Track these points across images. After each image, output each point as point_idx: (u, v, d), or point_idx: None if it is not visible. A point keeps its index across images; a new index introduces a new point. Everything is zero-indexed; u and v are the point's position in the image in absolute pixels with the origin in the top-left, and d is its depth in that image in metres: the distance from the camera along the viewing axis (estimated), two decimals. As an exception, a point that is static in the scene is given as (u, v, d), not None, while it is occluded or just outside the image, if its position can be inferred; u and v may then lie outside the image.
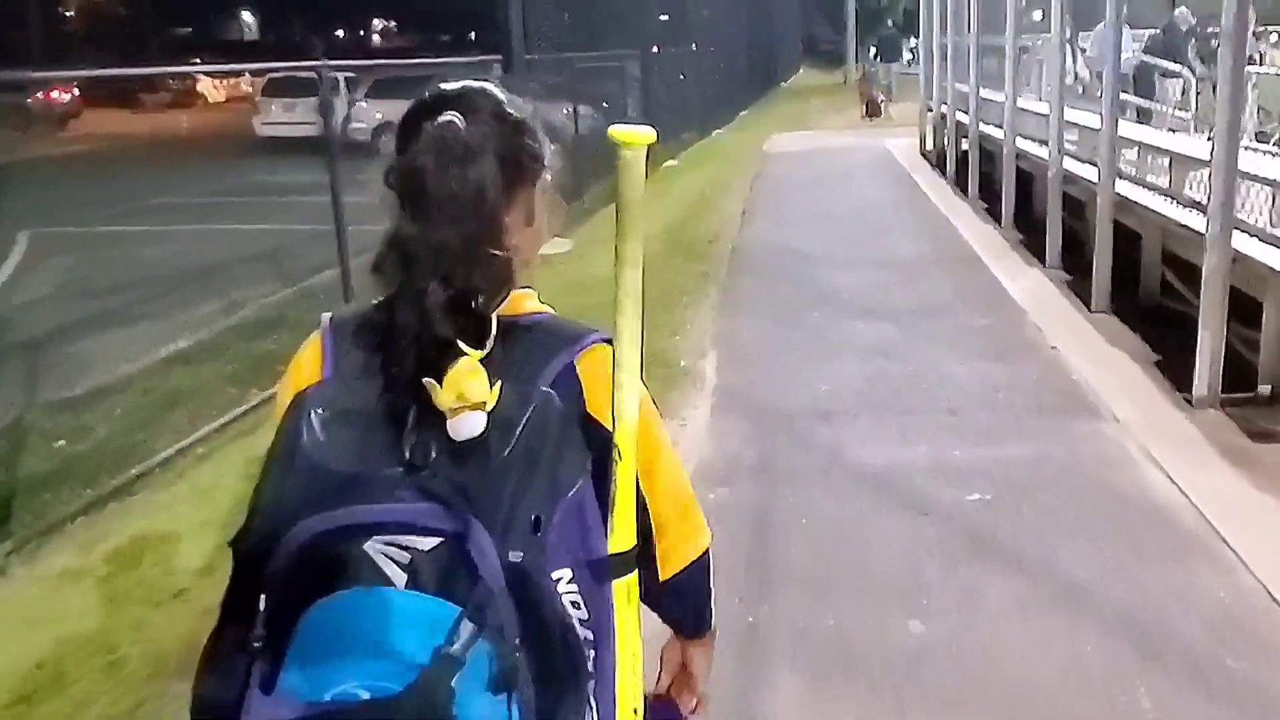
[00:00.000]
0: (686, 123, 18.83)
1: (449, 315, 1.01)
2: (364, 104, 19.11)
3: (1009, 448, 4.25)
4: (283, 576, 0.95)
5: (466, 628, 0.90)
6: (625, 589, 1.08)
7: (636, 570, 1.10)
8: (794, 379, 5.23)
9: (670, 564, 1.22)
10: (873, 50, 26.97)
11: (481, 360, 1.01)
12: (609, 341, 1.15)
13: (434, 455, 0.99)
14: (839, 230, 9.27)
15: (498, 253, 1.08)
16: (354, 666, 0.88)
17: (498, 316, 1.06)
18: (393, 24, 52.17)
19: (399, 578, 0.92)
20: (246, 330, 6.68)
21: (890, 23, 30.31)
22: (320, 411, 1.04)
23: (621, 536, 1.08)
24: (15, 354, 6.36)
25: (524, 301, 1.19)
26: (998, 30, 11.15)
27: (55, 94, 22.98)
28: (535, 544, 0.97)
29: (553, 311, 1.23)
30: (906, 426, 4.51)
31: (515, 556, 0.94)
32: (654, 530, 1.19)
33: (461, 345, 1.00)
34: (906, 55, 26.47)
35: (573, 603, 1.01)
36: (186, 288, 7.75)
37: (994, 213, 9.57)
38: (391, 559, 0.92)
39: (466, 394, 0.98)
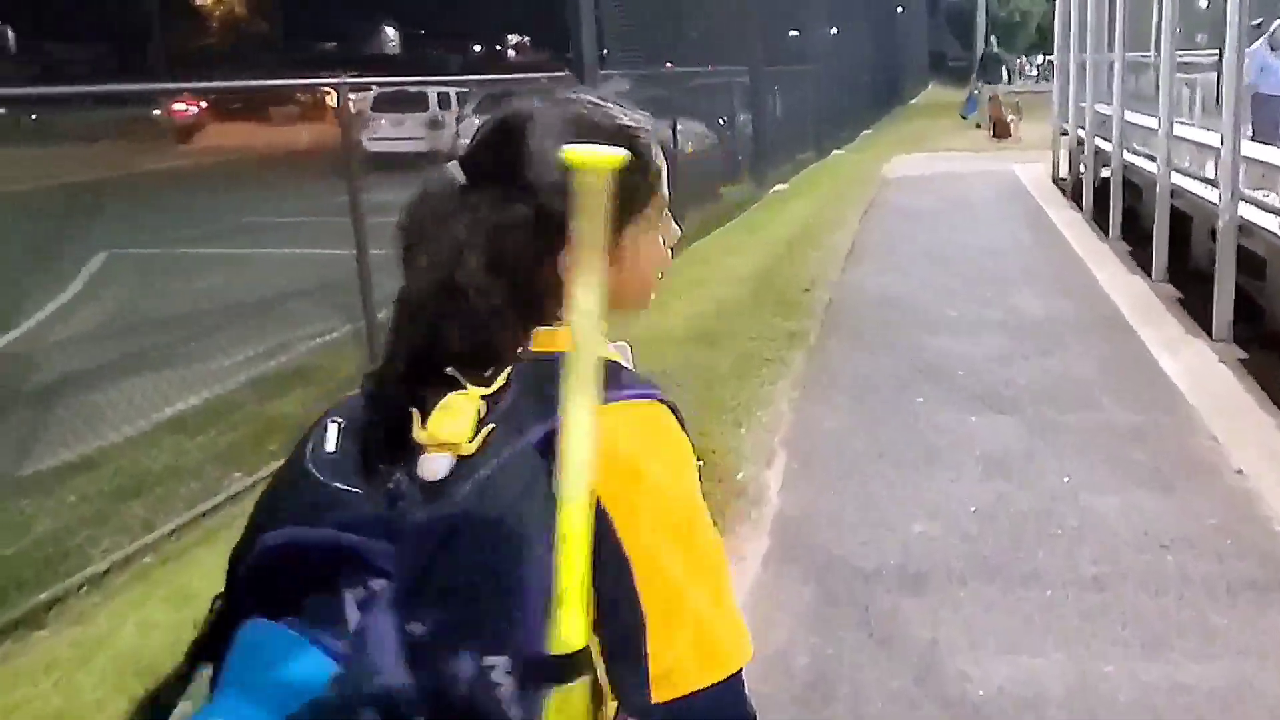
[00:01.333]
0: (802, 142, 17.33)
1: (415, 367, 0.92)
2: (475, 119, 18.32)
3: (1191, 665, 2.76)
4: (240, 582, 0.90)
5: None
6: (559, 701, 0.83)
7: (584, 681, 0.85)
8: (881, 509, 3.80)
9: (670, 685, 0.88)
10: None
11: (488, 398, 0.90)
12: (651, 398, 0.96)
13: (408, 493, 0.87)
14: (956, 278, 7.67)
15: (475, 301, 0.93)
16: (230, 702, 0.82)
17: (530, 353, 0.94)
18: (526, 39, 51.82)
19: (353, 617, 0.83)
20: (267, 385, 5.66)
21: (992, 40, 28.12)
22: (338, 420, 0.96)
23: (565, 634, 0.83)
24: (16, 408, 5.50)
25: (565, 340, 0.91)
26: (1146, 46, 9.46)
27: (181, 106, 22.81)
28: (449, 619, 0.82)
29: (619, 357, 1.00)
30: (1033, 612, 3.04)
31: (414, 627, 0.81)
32: (647, 636, 0.89)
33: (462, 379, 0.90)
34: (1004, 75, 24.22)
35: (508, 697, 0.81)
36: (233, 325, 6.75)
37: (1141, 259, 7.85)
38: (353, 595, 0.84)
39: (436, 433, 0.87)
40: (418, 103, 19.36)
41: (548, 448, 0.86)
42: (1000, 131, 19.01)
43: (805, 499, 3.94)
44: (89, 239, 8.70)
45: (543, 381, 0.90)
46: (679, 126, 13.72)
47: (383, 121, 19.11)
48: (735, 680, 0.92)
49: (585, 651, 0.86)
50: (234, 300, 7.22)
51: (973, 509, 3.73)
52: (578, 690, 0.86)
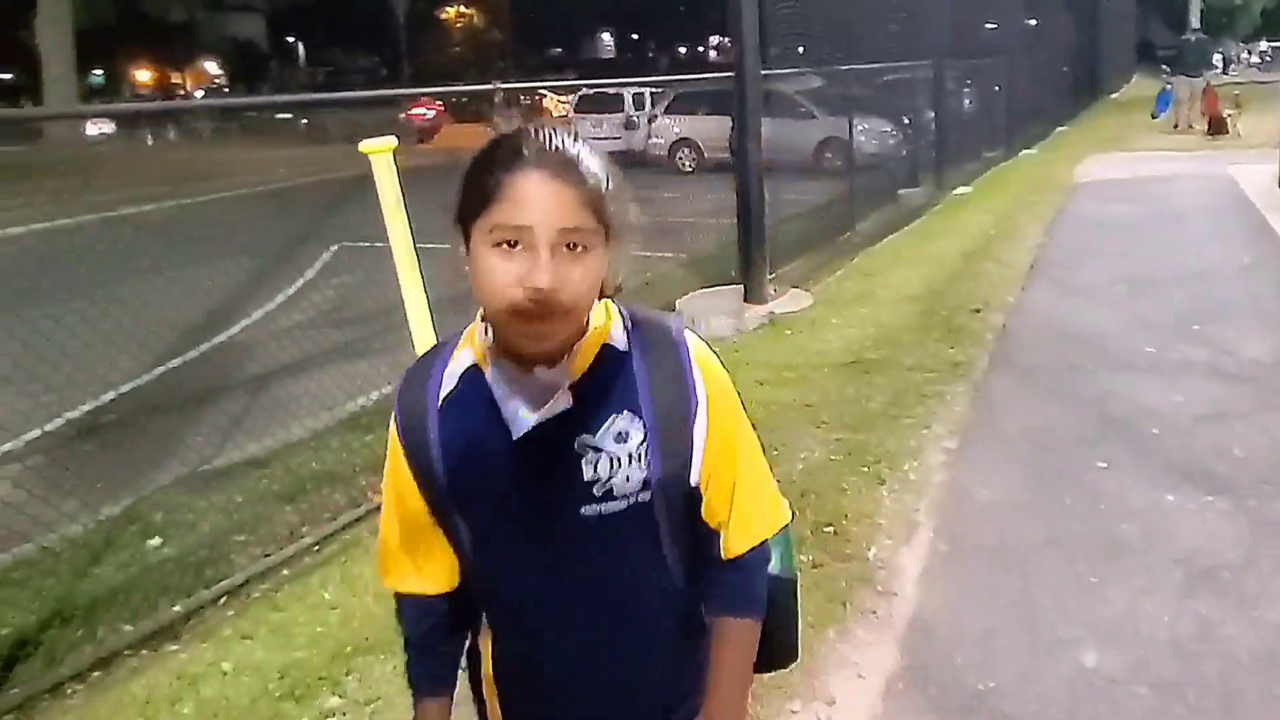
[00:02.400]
0: (991, 140, 15.87)
1: None
2: (665, 119, 17.85)
3: None
4: None
5: None
6: None
7: None
8: (1045, 625, 2.91)
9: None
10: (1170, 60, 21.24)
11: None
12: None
13: None
14: (1157, 308, 6.46)
15: None
16: None
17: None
18: (727, 40, 50.81)
19: None
20: None
21: (1196, 26, 24.89)
22: None
23: None
24: (223, 398, 5.53)
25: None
26: None
27: (419, 111, 23.37)
28: None
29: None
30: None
31: None
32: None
33: None
34: (1216, 63, 21.13)
35: None
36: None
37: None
38: None
39: None
40: (615, 105, 19.18)
41: None
42: (1216, 128, 16.83)
43: (949, 597, 3.11)
44: (330, 231, 8.82)
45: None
46: (859, 125, 12.74)
47: (585, 123, 19.03)
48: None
49: None
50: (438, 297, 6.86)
51: (1167, 639, 2.81)
52: None
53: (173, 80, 40.77)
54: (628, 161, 13.20)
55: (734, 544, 1.25)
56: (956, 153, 13.76)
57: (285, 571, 3.62)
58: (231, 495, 4.18)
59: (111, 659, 3.11)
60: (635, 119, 19.09)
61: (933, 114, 13.33)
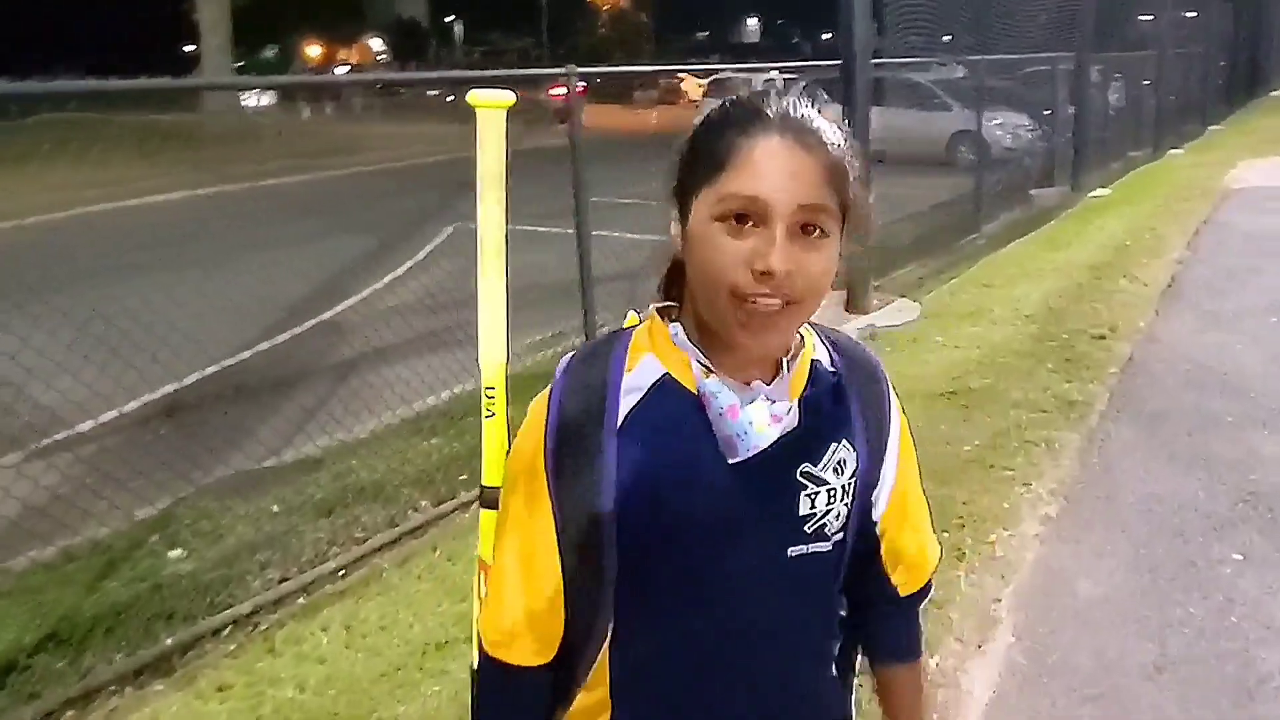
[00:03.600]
0: (1136, 138, 14.38)
1: None
2: (799, 103, 16.80)
3: None
4: None
5: None
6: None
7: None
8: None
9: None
10: None
11: None
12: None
13: None
14: (1318, 345, 5.43)
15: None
16: None
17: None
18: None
19: None
20: (520, 384, 4.81)
21: None
22: None
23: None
24: (307, 385, 5.17)
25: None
26: None
27: (559, 91, 22.89)
28: None
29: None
30: None
31: None
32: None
33: None
34: None
35: None
36: (532, 308, 6.07)
37: None
38: None
39: None
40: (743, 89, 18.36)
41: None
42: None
43: (1025, 737, 2.41)
44: (450, 211, 8.56)
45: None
46: (994, 118, 11.62)
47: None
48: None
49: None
50: (550, 281, 6.38)
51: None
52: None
53: (339, 56, 41.82)
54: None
55: (909, 583, 1.13)
56: (1097, 151, 12.45)
57: (301, 600, 3.20)
58: (269, 503, 3.78)
59: (91, 695, 2.74)
60: (764, 105, 18.24)
61: (1073, 109, 12.06)
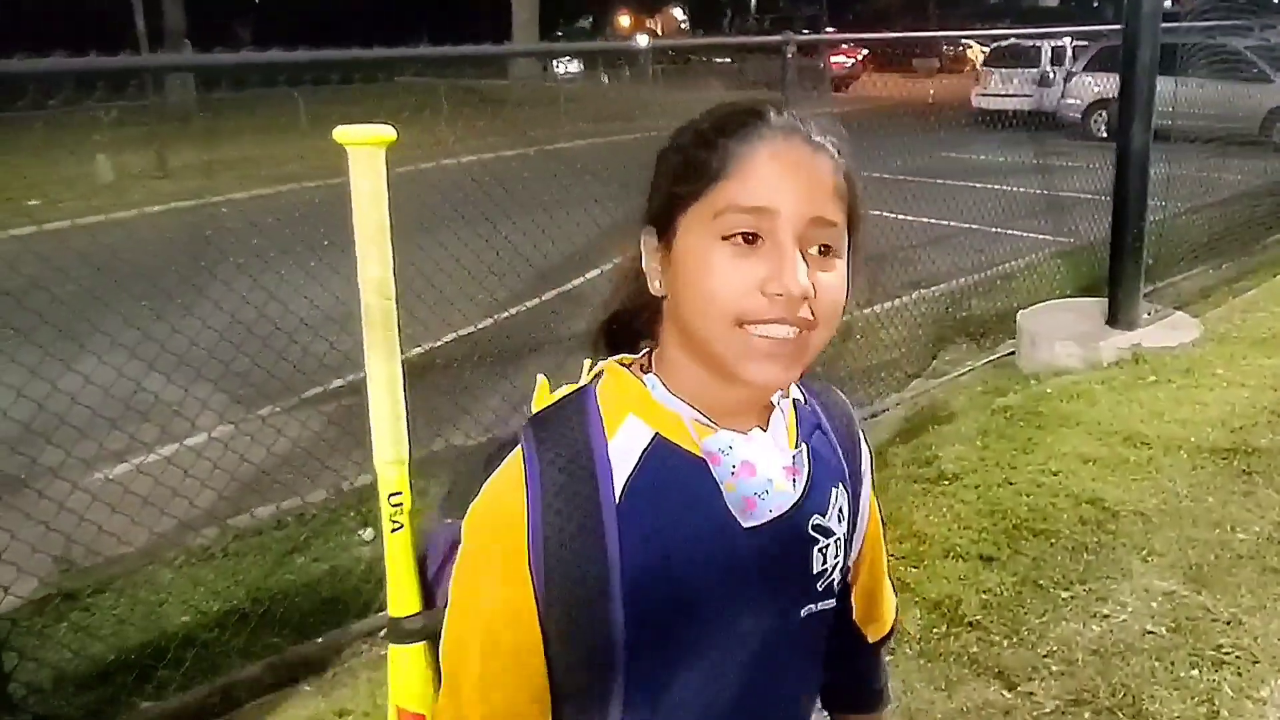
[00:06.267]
0: None
1: None
2: (1085, 77, 14.45)
3: None
4: None
5: None
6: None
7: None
8: None
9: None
10: None
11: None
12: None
13: None
14: None
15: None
16: None
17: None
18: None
19: None
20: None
21: None
22: None
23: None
24: (547, 353, 4.74)
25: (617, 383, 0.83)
26: None
27: (839, 59, 21.56)
28: None
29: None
30: None
31: None
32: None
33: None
34: None
35: None
36: None
37: None
38: None
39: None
40: (1030, 58, 16.12)
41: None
42: None
43: None
44: None
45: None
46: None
47: (994, 77, 16.26)
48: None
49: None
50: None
51: None
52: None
53: (646, 25, 41.82)
54: (1036, 122, 10.62)
55: (877, 629, 0.97)
56: None
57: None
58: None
59: (226, 692, 2.48)
60: (1051, 74, 15.79)
61: None
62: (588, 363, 0.85)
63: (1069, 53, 16.14)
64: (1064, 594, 2.66)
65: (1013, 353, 4.97)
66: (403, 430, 0.88)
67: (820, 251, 0.73)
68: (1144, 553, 2.89)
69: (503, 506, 0.75)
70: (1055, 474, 3.40)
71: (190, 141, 11.41)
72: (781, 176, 0.71)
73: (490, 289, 4.46)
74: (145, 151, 11.32)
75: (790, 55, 3.47)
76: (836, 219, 0.73)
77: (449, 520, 0.83)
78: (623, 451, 0.76)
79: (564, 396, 0.81)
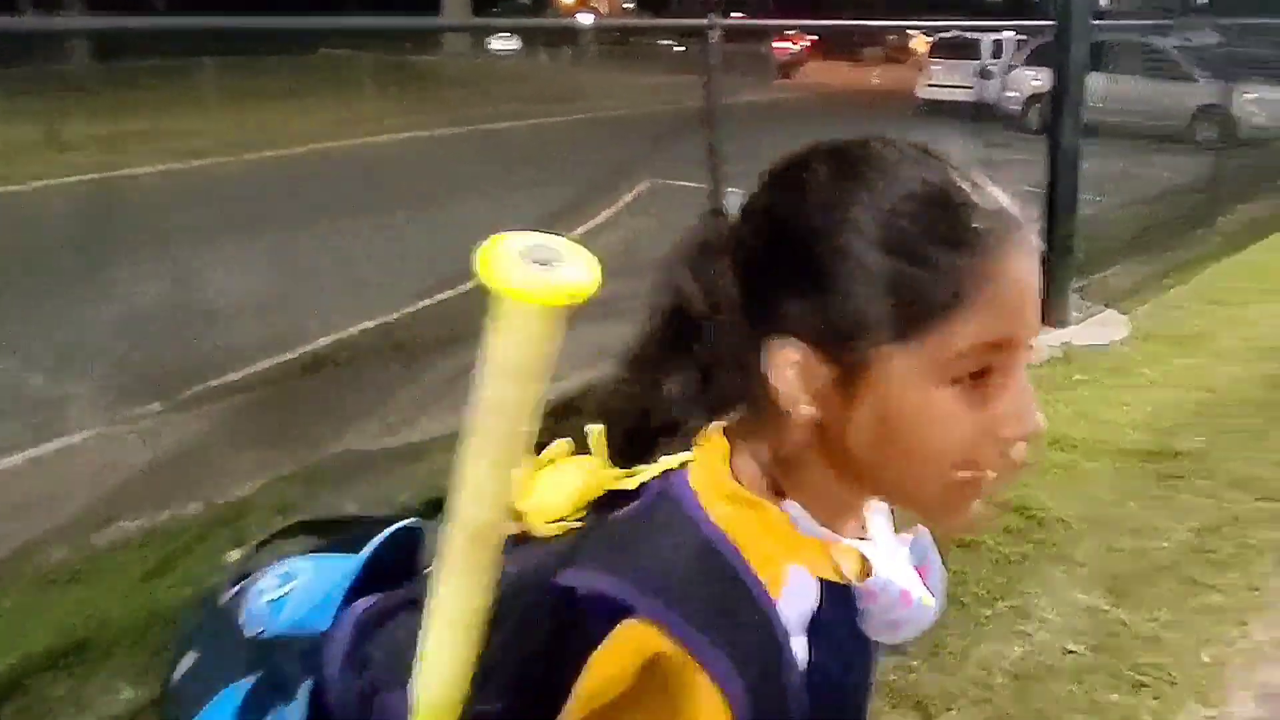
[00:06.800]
0: None
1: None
2: (1024, 71, 14.63)
3: None
4: None
5: None
6: None
7: None
8: None
9: None
10: None
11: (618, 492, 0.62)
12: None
13: None
14: None
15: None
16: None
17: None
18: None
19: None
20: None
21: None
22: None
23: None
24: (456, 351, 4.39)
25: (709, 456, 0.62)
26: None
27: (782, 45, 21.54)
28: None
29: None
30: None
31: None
32: None
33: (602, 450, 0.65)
34: None
35: None
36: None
37: None
38: None
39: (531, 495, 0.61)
40: (972, 51, 16.26)
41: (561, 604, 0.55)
42: None
43: None
44: (646, 166, 7.88)
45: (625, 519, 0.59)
46: (1248, 92, 9.42)
47: (937, 69, 16.40)
48: None
49: None
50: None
51: None
52: None
53: (590, 3, 41.12)
54: (978, 114, 10.80)
55: None
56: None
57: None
58: (349, 499, 3.25)
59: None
60: (991, 68, 15.99)
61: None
62: (597, 430, 0.64)
63: (1008, 46, 16.37)
64: (986, 612, 2.59)
65: (946, 352, 4.95)
66: (463, 688, 0.58)
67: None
68: (1067, 564, 2.84)
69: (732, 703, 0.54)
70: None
71: (89, 113, 10.79)
72: (1025, 298, 0.57)
73: (407, 278, 4.26)
74: (37, 123, 10.66)
75: (714, 40, 3.32)
76: None
77: None
78: (792, 617, 0.59)
79: (652, 510, 0.60)
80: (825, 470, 0.61)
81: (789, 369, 0.58)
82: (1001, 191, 0.59)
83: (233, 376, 4.07)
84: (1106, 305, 5.44)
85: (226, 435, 3.37)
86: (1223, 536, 3.00)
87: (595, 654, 0.53)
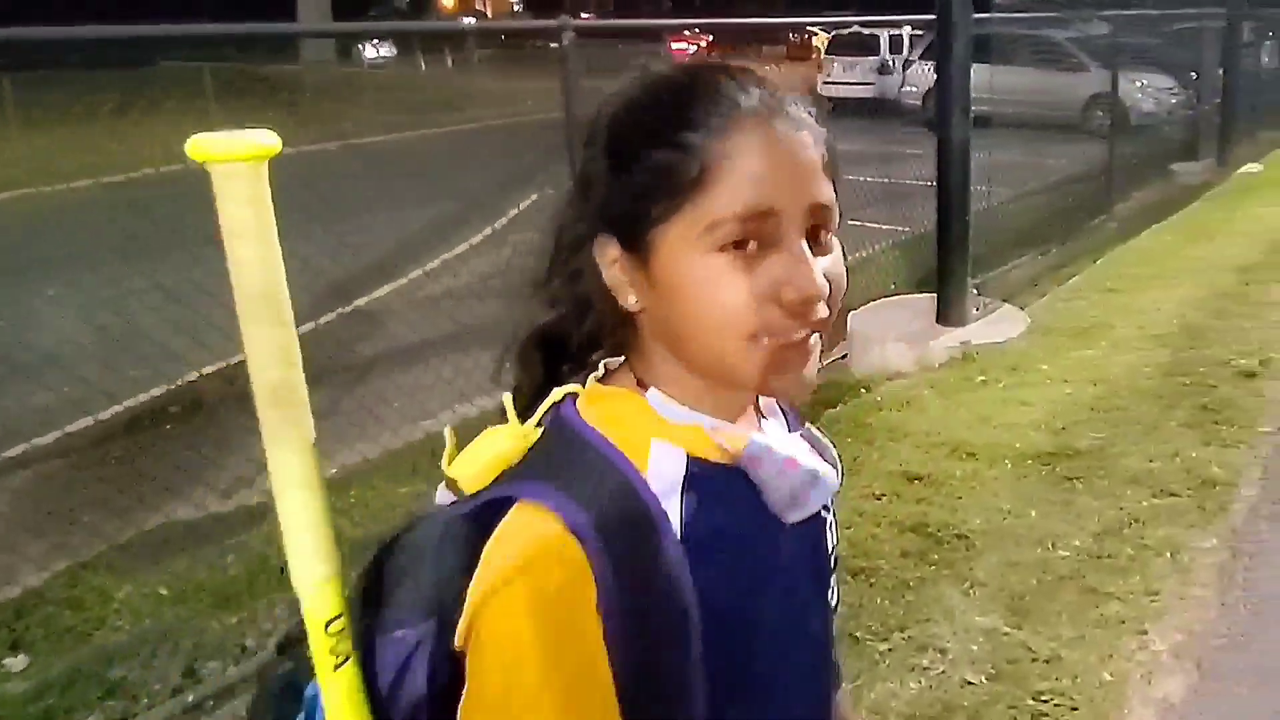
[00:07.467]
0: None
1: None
2: (921, 65, 14.96)
3: None
4: None
5: None
6: None
7: None
8: None
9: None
10: None
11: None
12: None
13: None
14: None
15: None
16: None
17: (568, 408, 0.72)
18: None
19: None
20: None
21: None
22: None
23: None
24: (321, 388, 4.08)
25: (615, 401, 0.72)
26: None
27: (680, 45, 21.56)
28: None
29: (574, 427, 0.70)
30: None
31: None
32: None
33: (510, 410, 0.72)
34: None
35: None
36: None
37: None
38: None
39: (449, 462, 0.70)
40: (870, 47, 16.57)
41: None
42: None
43: None
44: (538, 177, 7.60)
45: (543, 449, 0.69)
46: (1135, 79, 9.81)
47: (836, 65, 16.66)
48: None
49: None
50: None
51: None
52: None
53: (475, 6, 40.38)
54: (878, 110, 10.98)
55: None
56: (1248, 120, 10.40)
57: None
58: (179, 576, 2.92)
59: None
60: (890, 63, 16.35)
61: (1222, 71, 10.06)
62: (508, 397, 0.72)
63: (906, 41, 16.76)
64: (882, 646, 2.47)
65: (845, 355, 4.88)
66: (329, 536, 0.69)
67: (817, 235, 0.67)
68: (966, 584, 2.75)
69: (555, 561, 0.61)
70: (879, 498, 3.25)
71: None
72: (774, 171, 0.64)
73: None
74: None
75: (567, 42, 3.15)
76: (830, 198, 0.67)
77: (396, 626, 0.67)
78: (662, 485, 0.67)
79: (544, 437, 0.69)
80: (668, 356, 0.69)
81: (612, 265, 0.68)
82: (770, 84, 0.66)
83: (37, 442, 3.66)
84: (1005, 300, 5.47)
85: (15, 516, 3.00)
86: (1122, 539, 2.96)
87: (489, 543, 0.62)
